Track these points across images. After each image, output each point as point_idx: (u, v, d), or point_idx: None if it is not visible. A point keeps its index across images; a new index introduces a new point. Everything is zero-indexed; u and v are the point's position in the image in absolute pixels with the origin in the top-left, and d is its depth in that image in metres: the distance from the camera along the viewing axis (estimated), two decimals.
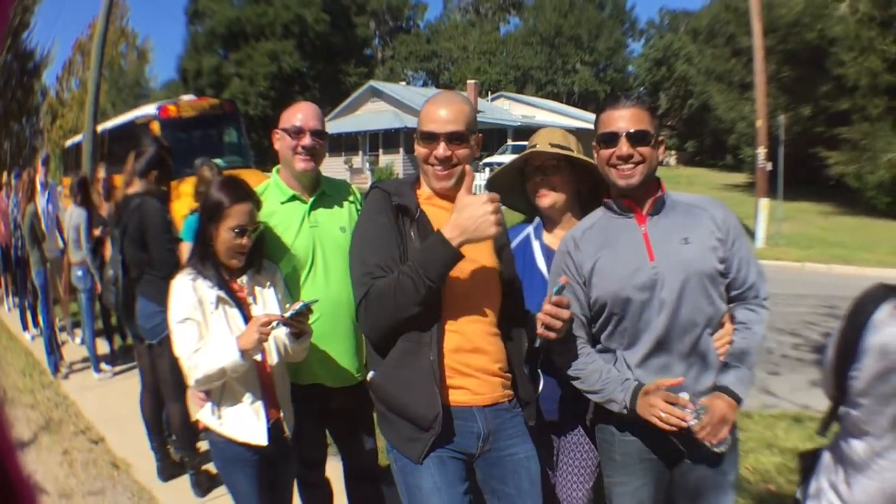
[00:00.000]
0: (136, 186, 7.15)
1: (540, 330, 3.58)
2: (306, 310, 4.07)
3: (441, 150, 3.81)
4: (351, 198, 4.98)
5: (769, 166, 25.32)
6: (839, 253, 23.57)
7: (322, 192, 4.83)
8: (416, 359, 3.66)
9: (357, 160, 63.33)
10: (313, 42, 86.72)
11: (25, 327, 14.28)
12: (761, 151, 25.42)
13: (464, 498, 3.71)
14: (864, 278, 20.37)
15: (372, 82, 72.12)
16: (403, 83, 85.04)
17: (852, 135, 36.02)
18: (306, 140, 4.66)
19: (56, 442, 8.30)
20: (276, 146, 4.82)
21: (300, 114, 4.74)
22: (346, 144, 62.03)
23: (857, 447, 3.02)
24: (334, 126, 61.91)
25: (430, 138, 3.83)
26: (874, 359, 2.88)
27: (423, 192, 3.99)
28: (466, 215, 3.53)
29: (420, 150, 3.91)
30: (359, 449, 5.16)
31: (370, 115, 64.80)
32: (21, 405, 9.60)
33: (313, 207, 4.76)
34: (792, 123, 36.50)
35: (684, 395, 3.53)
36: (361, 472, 5.27)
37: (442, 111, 3.85)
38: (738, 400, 3.66)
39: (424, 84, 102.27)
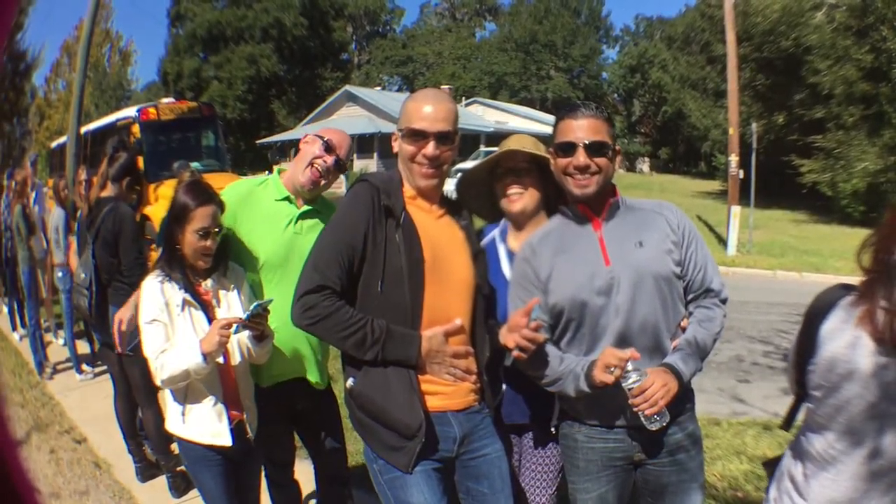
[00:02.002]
0: (109, 190, 7.24)
1: (515, 353, 3.64)
2: (262, 310, 4.15)
3: (431, 148, 3.79)
4: None
5: (741, 174, 25.37)
6: (811, 261, 23.72)
7: (314, 208, 4.89)
8: (395, 366, 3.70)
9: None
10: (291, 46, 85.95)
11: (14, 328, 14.22)
12: (733, 159, 25.46)
13: None
14: None
15: (348, 87, 71.47)
16: (379, 88, 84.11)
17: (827, 143, 36.28)
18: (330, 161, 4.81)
19: (44, 441, 8.34)
20: (302, 148, 4.91)
21: (336, 139, 4.88)
22: None
23: (816, 442, 3.06)
24: (310, 130, 60.90)
25: (419, 136, 3.80)
26: (823, 368, 2.96)
27: (407, 191, 3.93)
28: (437, 350, 3.75)
29: (406, 147, 3.85)
30: (328, 451, 5.25)
31: (345, 120, 63.88)
32: (11, 404, 9.61)
33: (302, 216, 4.81)
34: (766, 131, 36.79)
35: (629, 360, 3.50)
36: (331, 475, 5.35)
37: (432, 109, 3.83)
38: (679, 376, 3.61)
39: (399, 89, 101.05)
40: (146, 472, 7.52)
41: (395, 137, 3.97)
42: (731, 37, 25.69)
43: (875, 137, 34.65)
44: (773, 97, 42.17)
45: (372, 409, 3.73)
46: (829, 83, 35.70)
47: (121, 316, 5.32)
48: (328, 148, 4.78)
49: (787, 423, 3.45)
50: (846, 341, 2.89)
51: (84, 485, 7.25)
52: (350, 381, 3.82)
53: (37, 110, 63.87)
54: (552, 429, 4.22)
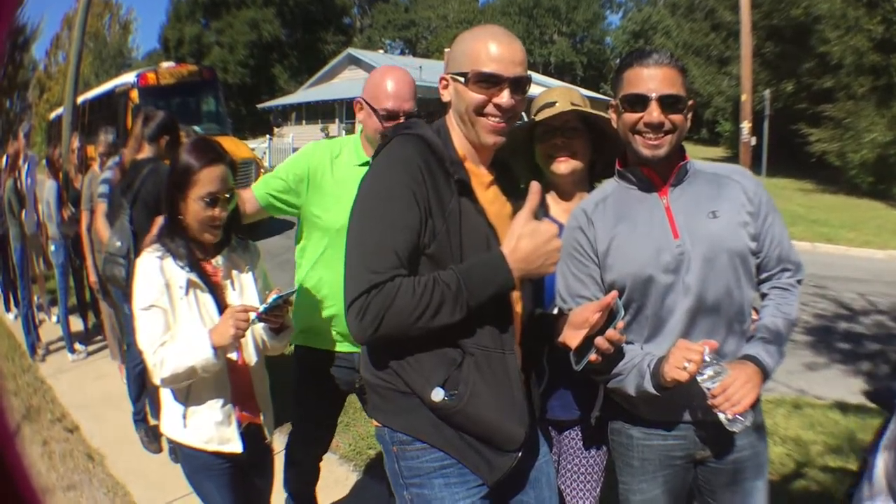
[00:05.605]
0: (147, 152, 6.99)
1: (592, 356, 2.99)
2: (283, 302, 3.67)
3: (506, 97, 2.99)
4: None
5: (753, 141, 25.13)
6: (822, 231, 23.59)
7: None
8: (499, 366, 3.04)
9: (333, 128, 62.73)
10: (293, 10, 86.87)
11: (8, 308, 13.77)
12: (746, 126, 25.25)
13: None
14: (850, 258, 20.39)
15: (350, 50, 71.48)
16: (381, 52, 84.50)
17: (836, 113, 36.14)
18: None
19: (36, 432, 8.08)
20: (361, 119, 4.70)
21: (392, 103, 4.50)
22: (322, 112, 61.45)
23: None
24: (311, 94, 62.58)
25: (492, 82, 2.99)
26: None
27: (458, 148, 3.15)
28: (534, 247, 2.90)
29: (472, 95, 3.01)
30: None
31: (347, 84, 63.89)
32: (5, 392, 9.36)
33: None
34: (774, 99, 36.67)
35: (706, 352, 3.01)
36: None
37: (506, 49, 3.03)
38: (764, 370, 3.16)
39: (402, 53, 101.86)
40: (153, 443, 7.56)
41: (446, 83, 3.19)
42: (745, 2, 25.36)
43: (884, 109, 34.41)
44: (781, 65, 41.99)
45: (473, 427, 3.02)
46: (839, 53, 35.45)
47: None
48: (389, 117, 4.37)
49: None
50: None
51: (77, 479, 6.99)
52: (440, 394, 2.98)
53: (37, 83, 64.23)
54: (592, 420, 3.83)
